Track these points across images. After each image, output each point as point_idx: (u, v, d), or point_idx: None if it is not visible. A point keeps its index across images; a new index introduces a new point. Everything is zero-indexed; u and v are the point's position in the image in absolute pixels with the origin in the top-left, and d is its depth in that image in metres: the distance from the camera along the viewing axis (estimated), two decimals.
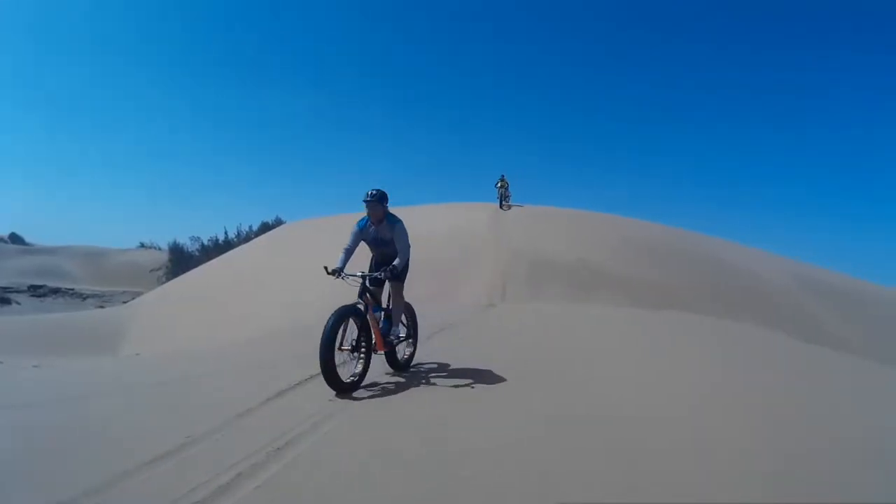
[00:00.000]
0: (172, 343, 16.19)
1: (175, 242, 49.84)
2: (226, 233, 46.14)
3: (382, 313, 6.38)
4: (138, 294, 32.83)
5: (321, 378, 5.38)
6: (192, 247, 47.69)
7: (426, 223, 20.95)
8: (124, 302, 31.52)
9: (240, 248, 30.24)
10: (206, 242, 46.50)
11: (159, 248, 58.06)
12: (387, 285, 6.42)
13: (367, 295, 5.96)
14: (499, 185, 23.98)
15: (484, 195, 23.04)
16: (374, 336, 5.94)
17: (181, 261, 43.08)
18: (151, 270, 49.32)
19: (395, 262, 6.08)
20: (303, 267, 19.91)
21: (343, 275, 6.02)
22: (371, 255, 6.64)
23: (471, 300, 14.77)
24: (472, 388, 5.80)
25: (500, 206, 23.34)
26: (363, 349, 5.80)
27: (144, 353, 14.47)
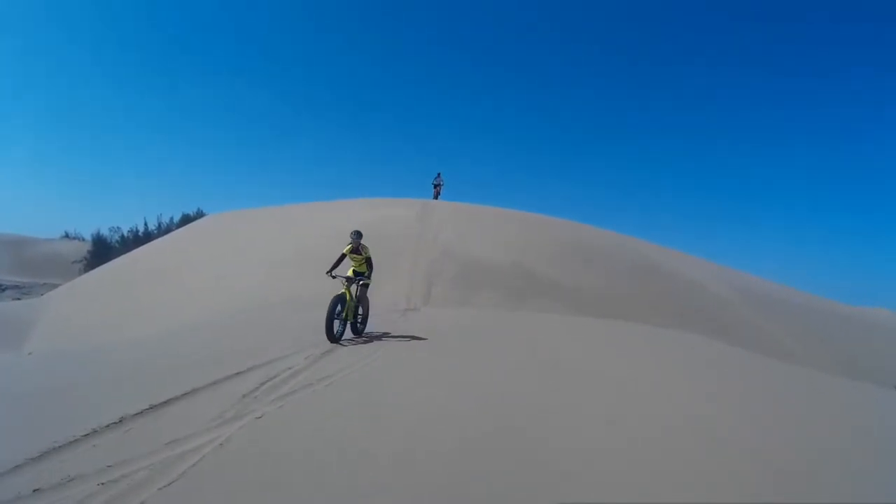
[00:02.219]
0: (76, 338, 15.24)
1: (98, 233, 47.01)
2: (146, 224, 43.72)
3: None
4: (59, 286, 30.89)
5: (169, 409, 4.74)
6: (112, 238, 44.97)
7: (345, 217, 19.52)
8: (41, 294, 29.86)
9: (158, 240, 28.31)
10: (125, 234, 43.90)
11: (83, 239, 54.78)
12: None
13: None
14: (433, 183, 23.52)
15: (417, 191, 21.82)
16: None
17: (102, 252, 40.48)
18: (74, 262, 46.45)
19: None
20: (222, 260, 18.44)
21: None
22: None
23: (390, 302, 13.35)
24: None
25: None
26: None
27: (39, 351, 13.96)
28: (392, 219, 19.04)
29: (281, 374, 6.02)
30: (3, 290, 41.10)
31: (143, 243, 31.87)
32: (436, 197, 23.02)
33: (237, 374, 5.97)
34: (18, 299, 32.78)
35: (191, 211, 42.51)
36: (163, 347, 9.12)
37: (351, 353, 7.50)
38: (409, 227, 18.18)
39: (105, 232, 46.56)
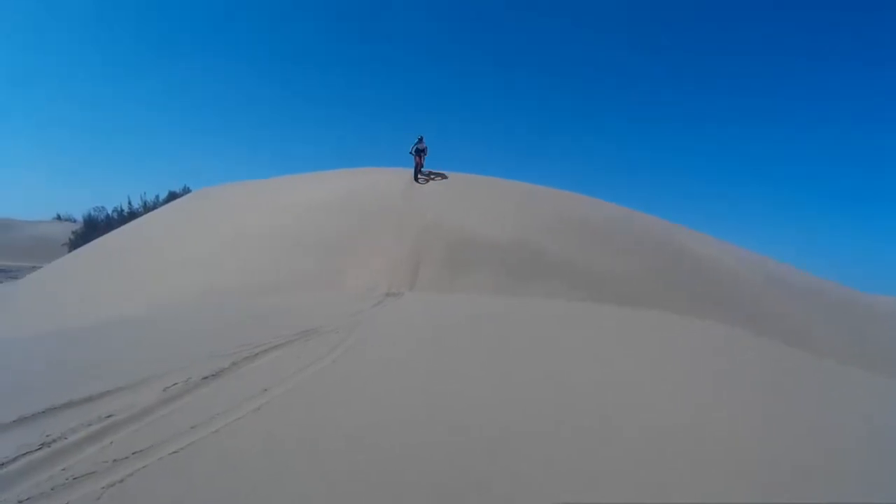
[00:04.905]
0: (34, 323, 12.79)
1: (90, 214, 45.22)
2: (129, 203, 41.76)
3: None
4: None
5: None
6: (97, 217, 43.20)
7: (315, 189, 17.32)
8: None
9: (137, 220, 26.38)
10: (110, 213, 42.04)
11: (74, 220, 53.13)
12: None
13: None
14: (413, 151, 18.46)
15: (401, 160, 18.87)
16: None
17: (89, 234, 38.60)
18: (63, 244, 44.82)
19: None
20: (189, 240, 16.37)
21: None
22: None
23: (364, 286, 11.15)
24: None
25: (416, 178, 18.10)
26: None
27: None
28: (374, 190, 16.45)
29: (93, 425, 3.62)
30: None
31: (127, 222, 30.06)
32: (419, 169, 18.34)
33: (34, 415, 3.73)
34: (1, 282, 31.40)
35: (177, 188, 40.45)
36: (48, 351, 6.63)
37: (259, 374, 5.01)
38: (392, 198, 15.62)
39: (92, 213, 44.83)
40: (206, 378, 4.77)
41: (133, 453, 3.38)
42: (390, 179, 17.31)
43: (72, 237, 42.41)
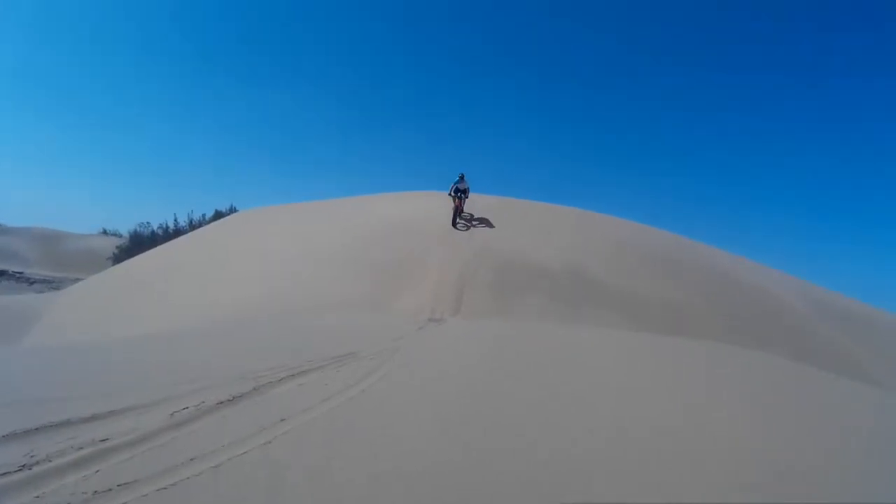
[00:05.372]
0: (71, 333, 13.60)
1: (135, 230, 46.09)
2: (175, 220, 42.44)
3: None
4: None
5: None
6: (142, 233, 43.99)
7: (366, 213, 16.96)
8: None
9: (178, 238, 26.51)
10: (155, 230, 42.70)
11: (120, 235, 54.15)
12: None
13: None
14: (452, 192, 16.52)
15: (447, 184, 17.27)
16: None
17: (134, 249, 39.25)
18: (108, 258, 45.64)
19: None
20: (225, 261, 16.13)
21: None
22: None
23: (410, 309, 10.70)
24: None
25: (455, 224, 15.87)
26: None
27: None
28: (420, 213, 16.33)
29: (84, 449, 3.13)
30: (32, 283, 40.26)
31: (172, 239, 30.32)
32: (458, 213, 16.21)
33: (27, 432, 3.22)
34: (43, 292, 31.84)
35: (223, 207, 40.93)
36: (65, 365, 6.12)
37: (279, 401, 4.43)
38: (439, 222, 15.34)
39: (138, 228, 45.75)
40: (220, 403, 4.21)
41: (117, 485, 2.85)
42: (442, 203, 16.82)
43: (116, 251, 43.16)
